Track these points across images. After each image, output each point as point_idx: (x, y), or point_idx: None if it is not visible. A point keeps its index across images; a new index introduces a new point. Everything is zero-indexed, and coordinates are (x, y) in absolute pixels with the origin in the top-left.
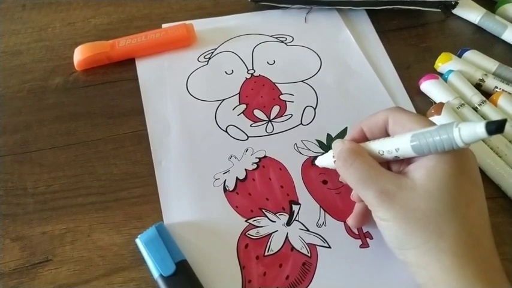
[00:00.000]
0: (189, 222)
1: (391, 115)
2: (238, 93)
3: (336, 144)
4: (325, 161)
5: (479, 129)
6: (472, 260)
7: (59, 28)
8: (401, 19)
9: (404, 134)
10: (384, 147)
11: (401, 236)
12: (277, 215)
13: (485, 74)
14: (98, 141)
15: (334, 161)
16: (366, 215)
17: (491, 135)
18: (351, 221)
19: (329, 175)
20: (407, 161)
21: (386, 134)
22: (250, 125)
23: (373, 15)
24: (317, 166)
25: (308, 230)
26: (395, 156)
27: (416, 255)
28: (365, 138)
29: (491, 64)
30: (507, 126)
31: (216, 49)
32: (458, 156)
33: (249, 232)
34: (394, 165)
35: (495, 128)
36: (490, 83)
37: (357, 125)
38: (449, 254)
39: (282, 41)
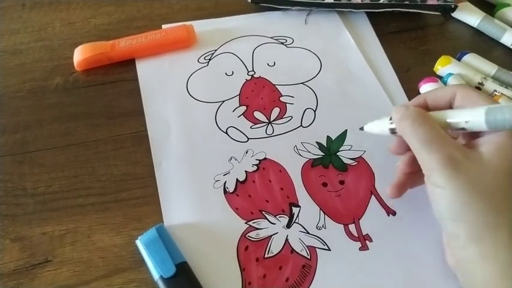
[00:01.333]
0: (189, 224)
1: (460, 91)
2: (239, 94)
3: (399, 108)
4: (378, 126)
5: None
6: None
7: (59, 28)
8: (401, 22)
9: (478, 107)
10: (452, 117)
11: (458, 207)
12: (277, 217)
13: (484, 78)
14: (98, 141)
15: (390, 129)
16: (406, 186)
17: None
18: (391, 190)
19: (329, 178)
20: (470, 136)
21: (450, 107)
22: (251, 127)
23: (373, 18)
24: (365, 131)
25: (308, 233)
26: (462, 128)
27: (470, 228)
28: (426, 109)
29: (490, 67)
30: None
31: (216, 50)
32: None
33: (249, 234)
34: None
35: None
36: (489, 86)
37: (420, 95)
38: (506, 230)
39: (282, 43)
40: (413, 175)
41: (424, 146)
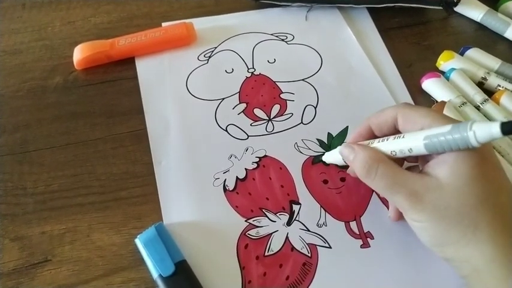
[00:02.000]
0: (188, 222)
1: (400, 113)
2: (239, 92)
3: (346, 150)
4: (334, 158)
5: (494, 129)
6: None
7: (58, 27)
8: (403, 17)
9: (417, 132)
10: (396, 147)
11: (438, 234)
12: (277, 214)
13: (488, 72)
14: (97, 140)
15: (343, 160)
16: None
17: (506, 135)
18: (391, 214)
19: (329, 175)
20: (425, 158)
21: (395, 130)
22: (251, 124)
23: (374, 13)
24: (323, 162)
25: (308, 230)
26: (409, 156)
27: (457, 250)
28: (372, 135)
29: (494, 62)
30: None
31: (216, 48)
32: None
33: (249, 232)
34: (407, 159)
35: (510, 128)
36: (493, 81)
37: (364, 122)
38: (488, 243)
39: (282, 40)
40: None
41: (386, 191)
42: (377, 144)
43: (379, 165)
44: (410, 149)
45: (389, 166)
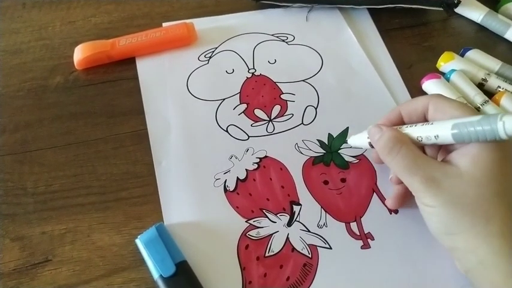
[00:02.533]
0: (189, 223)
1: (432, 102)
2: (239, 92)
3: (374, 130)
4: (359, 141)
5: None
6: None
7: (59, 27)
8: (403, 18)
9: (445, 121)
10: (423, 133)
11: (449, 221)
12: (277, 215)
13: (488, 74)
14: (98, 140)
15: (369, 143)
16: (405, 197)
17: None
18: (390, 202)
19: (330, 175)
20: (447, 147)
21: (424, 119)
22: (251, 125)
23: (375, 14)
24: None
25: (309, 231)
26: (434, 143)
27: (465, 240)
28: (401, 122)
29: (494, 63)
30: None
31: (216, 48)
32: (501, 143)
33: (250, 233)
34: (430, 149)
35: None
36: (493, 82)
37: (395, 108)
38: (498, 237)
39: (283, 40)
40: None
41: (404, 171)
42: (405, 129)
43: (402, 145)
44: (437, 135)
45: (412, 148)
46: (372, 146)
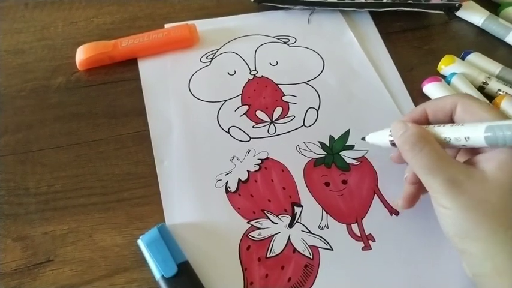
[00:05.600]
0: (191, 224)
1: (460, 101)
2: (241, 94)
3: (398, 125)
4: (379, 138)
5: None
6: None
7: (61, 27)
8: (404, 21)
9: (477, 123)
10: (452, 134)
11: (466, 225)
12: (279, 216)
13: (489, 77)
14: (99, 141)
15: (391, 141)
16: (416, 197)
17: None
18: (400, 202)
19: (331, 177)
20: (472, 150)
21: (450, 119)
22: (253, 126)
23: (376, 17)
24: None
25: (310, 232)
26: (463, 145)
27: (483, 246)
28: (426, 121)
29: (495, 67)
30: None
31: (218, 50)
32: None
33: (251, 234)
34: (449, 151)
35: None
36: (493, 85)
37: (420, 106)
38: None
39: (284, 42)
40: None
41: (425, 170)
42: (432, 128)
43: (426, 144)
44: (468, 137)
45: (436, 147)
46: (393, 145)
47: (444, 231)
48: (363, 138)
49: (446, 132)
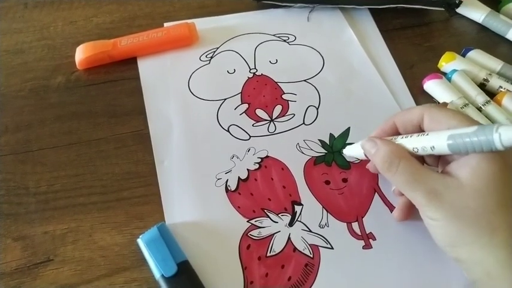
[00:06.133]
0: (190, 223)
1: (426, 112)
2: (240, 92)
3: (368, 144)
4: (354, 151)
5: None
6: None
7: (61, 27)
8: (404, 18)
9: (441, 131)
10: (418, 144)
11: (453, 234)
12: (279, 215)
13: (490, 74)
14: (99, 140)
15: (365, 153)
16: (412, 207)
17: None
18: (397, 214)
19: (331, 175)
20: (445, 156)
21: (420, 130)
22: (252, 125)
23: (376, 14)
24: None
25: (310, 231)
26: (431, 154)
27: (470, 252)
28: (395, 132)
29: (496, 64)
30: None
31: (218, 48)
32: (500, 152)
33: (251, 233)
34: (430, 158)
35: None
36: (494, 82)
37: (389, 119)
38: (504, 248)
39: (284, 40)
40: None
41: (405, 186)
42: (400, 140)
43: (400, 160)
44: (433, 146)
45: (410, 162)
46: (367, 156)
47: (437, 243)
48: (341, 153)
49: (413, 142)
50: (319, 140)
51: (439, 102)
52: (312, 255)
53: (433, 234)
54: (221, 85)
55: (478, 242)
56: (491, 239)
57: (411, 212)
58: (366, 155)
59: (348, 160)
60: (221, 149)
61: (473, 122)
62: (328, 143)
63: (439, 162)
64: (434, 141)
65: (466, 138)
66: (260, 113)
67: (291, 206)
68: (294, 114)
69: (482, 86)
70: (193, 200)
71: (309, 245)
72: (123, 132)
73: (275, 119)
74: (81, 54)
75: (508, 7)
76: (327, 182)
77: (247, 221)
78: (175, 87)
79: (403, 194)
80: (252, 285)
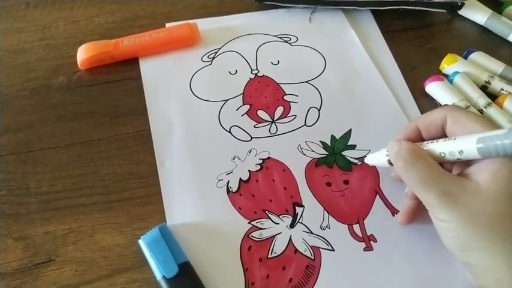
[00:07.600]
0: (192, 224)
1: (449, 114)
2: (242, 93)
3: (393, 144)
4: (377, 159)
5: None
6: None
7: (62, 27)
8: (406, 20)
9: (469, 135)
10: (446, 148)
11: (464, 238)
12: (280, 217)
13: (491, 76)
14: (101, 140)
15: (388, 160)
16: (416, 212)
17: None
18: (400, 218)
19: (333, 177)
20: (464, 162)
21: (443, 133)
22: (254, 126)
23: (378, 16)
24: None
25: (312, 233)
26: (458, 159)
27: (481, 257)
28: (420, 137)
29: (498, 66)
30: None
31: (220, 49)
32: None
33: (252, 234)
34: (448, 165)
35: None
36: (496, 85)
37: (411, 123)
38: None
39: (286, 41)
40: None
41: (419, 186)
42: (426, 145)
43: (418, 159)
44: (461, 151)
45: (428, 163)
46: (390, 164)
47: (446, 246)
48: (362, 161)
49: (440, 147)
50: (320, 141)
51: (440, 105)
52: (313, 257)
53: (442, 236)
54: (223, 86)
55: (490, 248)
56: (504, 245)
57: (415, 217)
58: (388, 161)
59: (349, 162)
60: (222, 150)
61: (496, 126)
62: (329, 144)
63: (454, 166)
64: (463, 145)
65: (497, 141)
66: (262, 114)
67: (292, 208)
68: (296, 116)
69: (484, 88)
70: (195, 200)
71: (310, 246)
72: (124, 133)
73: (277, 120)
74: (82, 54)
75: (510, 9)
76: (328, 184)
77: (249, 222)
78: (177, 87)
79: (415, 198)
80: (253, 287)
